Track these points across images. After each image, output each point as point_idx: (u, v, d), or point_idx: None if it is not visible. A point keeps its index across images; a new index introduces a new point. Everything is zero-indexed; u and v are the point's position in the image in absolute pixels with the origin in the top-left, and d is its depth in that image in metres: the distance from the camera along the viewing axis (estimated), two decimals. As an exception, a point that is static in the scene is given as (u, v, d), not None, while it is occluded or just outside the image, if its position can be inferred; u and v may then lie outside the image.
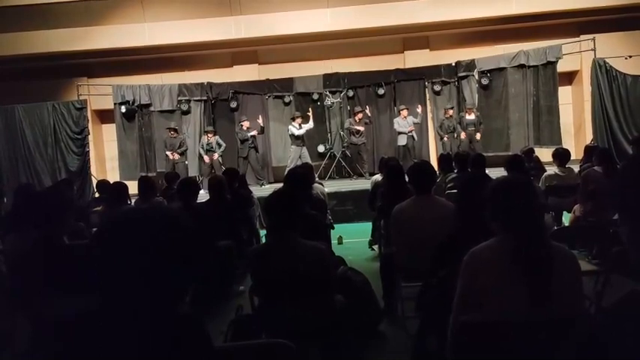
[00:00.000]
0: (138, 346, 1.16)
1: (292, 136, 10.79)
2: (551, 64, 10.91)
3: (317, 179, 7.71)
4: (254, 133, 10.90)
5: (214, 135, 10.97)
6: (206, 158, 10.82)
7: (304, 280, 2.66)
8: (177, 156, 10.88)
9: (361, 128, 10.98)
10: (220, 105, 11.95)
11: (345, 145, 11.36)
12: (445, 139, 11.13)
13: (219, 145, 10.86)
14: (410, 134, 10.84)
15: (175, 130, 11.06)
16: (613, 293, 2.78)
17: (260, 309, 2.83)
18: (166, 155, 10.98)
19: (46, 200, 2.79)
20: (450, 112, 11.22)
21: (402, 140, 10.85)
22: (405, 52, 12.54)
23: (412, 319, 3.43)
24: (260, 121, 11.03)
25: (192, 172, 11.26)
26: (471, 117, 10.95)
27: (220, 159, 10.93)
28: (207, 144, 10.87)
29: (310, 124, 10.93)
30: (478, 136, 10.90)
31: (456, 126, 11.08)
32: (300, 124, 10.73)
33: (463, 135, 10.85)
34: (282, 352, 1.99)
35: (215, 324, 3.12)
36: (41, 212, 2.67)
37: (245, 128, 10.86)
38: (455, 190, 5.04)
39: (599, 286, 3.20)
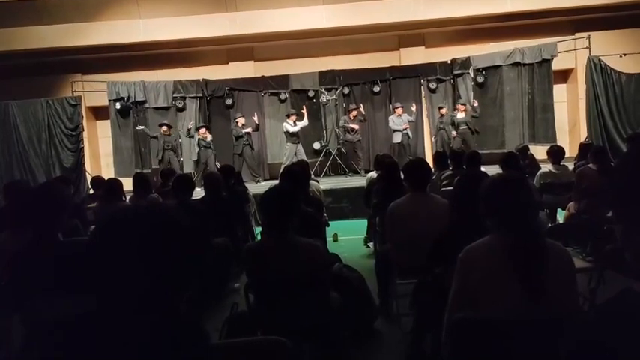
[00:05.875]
0: (135, 344, 1.16)
1: (287, 133, 10.78)
2: (546, 62, 10.94)
3: (312, 176, 7.72)
4: (249, 130, 10.87)
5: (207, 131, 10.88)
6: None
7: (299, 278, 2.66)
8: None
9: (356, 126, 10.99)
10: (215, 102, 11.92)
11: (341, 142, 11.37)
12: (433, 139, 11.07)
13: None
14: (405, 132, 10.85)
15: (168, 127, 10.96)
16: (607, 290, 2.79)
17: (255, 306, 2.83)
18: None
19: (41, 198, 2.76)
20: (442, 111, 11.02)
21: (397, 138, 10.86)
22: (400, 49, 12.53)
23: (407, 316, 3.44)
24: (255, 118, 10.98)
25: (187, 169, 11.23)
26: (462, 116, 10.68)
27: (214, 158, 10.84)
28: (203, 139, 10.82)
29: (305, 122, 10.91)
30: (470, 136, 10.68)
31: (448, 127, 10.83)
32: (294, 122, 10.72)
33: (454, 134, 10.69)
34: (277, 349, 1.98)
35: (210, 321, 3.12)
36: (36, 210, 2.65)
37: (240, 125, 10.81)
38: (450, 188, 5.06)
39: (593, 283, 3.22)
